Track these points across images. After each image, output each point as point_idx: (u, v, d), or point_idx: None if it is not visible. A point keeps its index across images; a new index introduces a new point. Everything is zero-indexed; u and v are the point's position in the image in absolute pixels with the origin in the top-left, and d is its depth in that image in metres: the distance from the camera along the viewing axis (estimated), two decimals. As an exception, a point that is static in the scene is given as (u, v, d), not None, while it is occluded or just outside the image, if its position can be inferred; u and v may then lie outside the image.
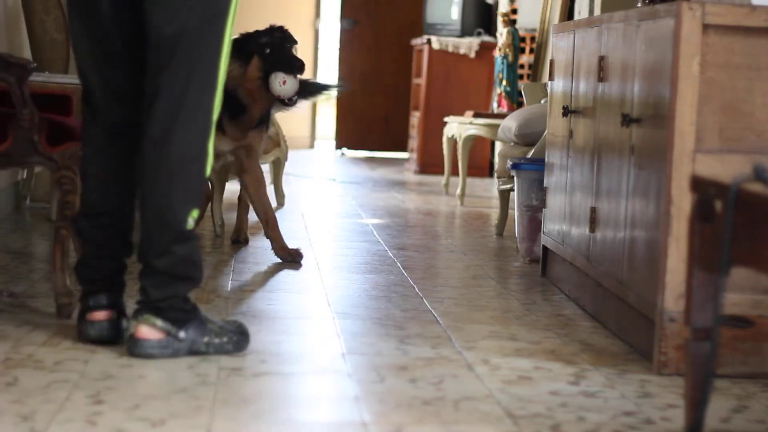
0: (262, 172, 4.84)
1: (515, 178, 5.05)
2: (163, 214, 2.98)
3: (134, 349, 3.00)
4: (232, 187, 5.89)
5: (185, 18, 2.97)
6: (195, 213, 3.01)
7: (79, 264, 3.19)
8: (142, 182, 3.03)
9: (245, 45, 4.64)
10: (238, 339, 3.11)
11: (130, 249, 3.20)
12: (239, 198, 5.24)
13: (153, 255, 3.00)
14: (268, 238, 4.75)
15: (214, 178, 5.31)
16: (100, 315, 3.12)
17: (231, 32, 3.06)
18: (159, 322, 3.00)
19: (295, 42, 4.72)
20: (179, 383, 2.78)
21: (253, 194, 4.79)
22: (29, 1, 5.85)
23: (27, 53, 5.98)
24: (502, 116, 7.31)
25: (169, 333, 3.01)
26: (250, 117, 4.75)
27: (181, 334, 3.02)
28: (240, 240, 5.17)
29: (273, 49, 4.65)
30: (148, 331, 3.00)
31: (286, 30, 4.73)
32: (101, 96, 3.14)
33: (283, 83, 4.61)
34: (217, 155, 4.66)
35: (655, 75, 3.24)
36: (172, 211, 2.98)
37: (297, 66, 4.62)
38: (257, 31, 4.71)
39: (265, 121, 4.83)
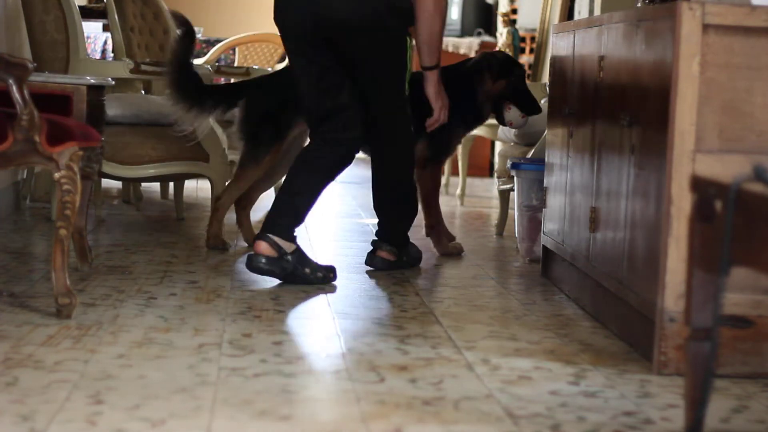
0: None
1: (515, 178, 5.05)
2: None
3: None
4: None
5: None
6: None
7: None
8: None
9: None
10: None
11: None
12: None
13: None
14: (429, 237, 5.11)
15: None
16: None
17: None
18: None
19: None
20: (179, 383, 2.77)
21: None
22: (29, 1, 5.85)
23: (27, 53, 5.98)
24: (502, 116, 7.29)
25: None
26: None
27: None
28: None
29: None
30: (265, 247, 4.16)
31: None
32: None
33: None
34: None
35: (655, 75, 3.24)
36: None
37: None
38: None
39: None
